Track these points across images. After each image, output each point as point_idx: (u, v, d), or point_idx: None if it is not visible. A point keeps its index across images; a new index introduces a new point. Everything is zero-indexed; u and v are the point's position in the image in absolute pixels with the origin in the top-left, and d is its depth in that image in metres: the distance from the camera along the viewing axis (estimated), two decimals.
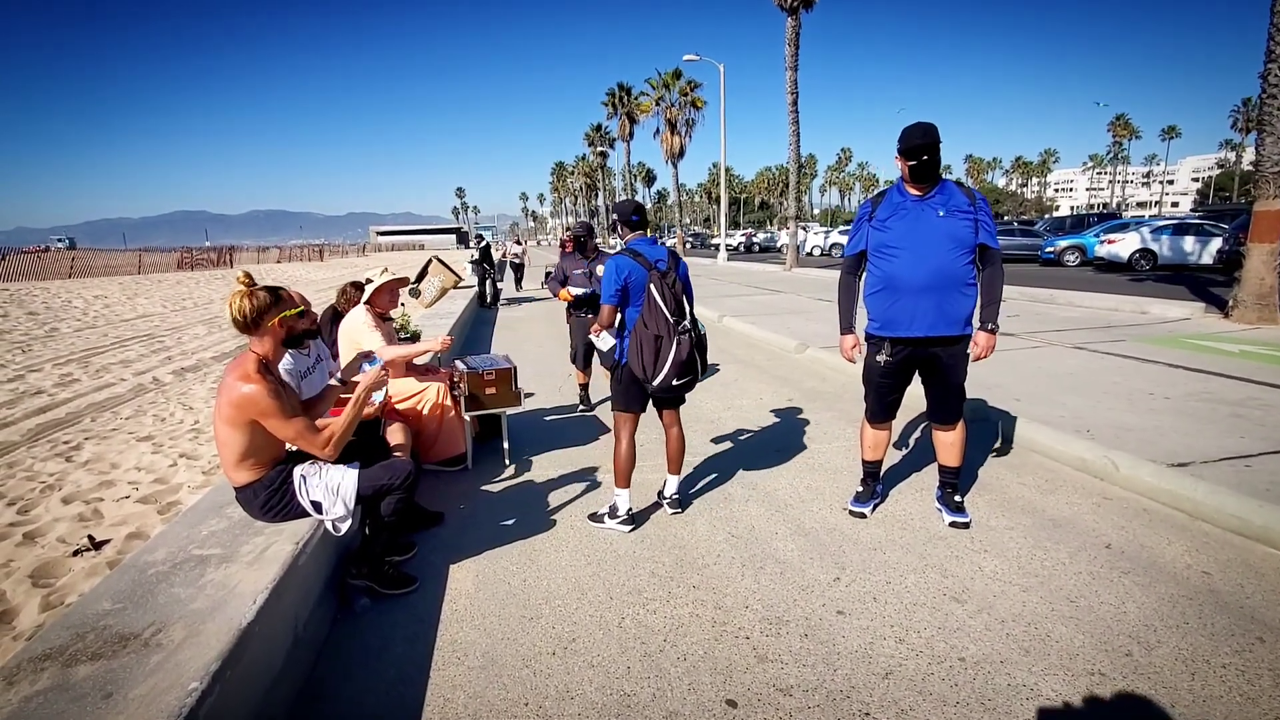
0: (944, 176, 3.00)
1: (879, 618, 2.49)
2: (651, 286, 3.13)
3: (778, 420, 5.14)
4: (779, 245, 39.99)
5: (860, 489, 3.48)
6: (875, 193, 3.23)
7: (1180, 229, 17.62)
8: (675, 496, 3.52)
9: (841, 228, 37.66)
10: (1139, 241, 17.46)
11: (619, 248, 3.34)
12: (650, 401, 3.39)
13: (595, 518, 3.43)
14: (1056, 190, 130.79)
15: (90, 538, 3.47)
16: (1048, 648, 2.29)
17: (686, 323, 3.19)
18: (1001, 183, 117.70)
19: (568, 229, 14.65)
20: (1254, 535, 2.98)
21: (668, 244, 3.72)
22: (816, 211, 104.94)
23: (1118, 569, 2.78)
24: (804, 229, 36.47)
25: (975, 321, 3.07)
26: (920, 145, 2.85)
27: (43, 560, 3.34)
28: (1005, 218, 51.95)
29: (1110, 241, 17.69)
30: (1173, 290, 11.90)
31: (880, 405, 3.30)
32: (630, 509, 3.36)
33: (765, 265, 24.97)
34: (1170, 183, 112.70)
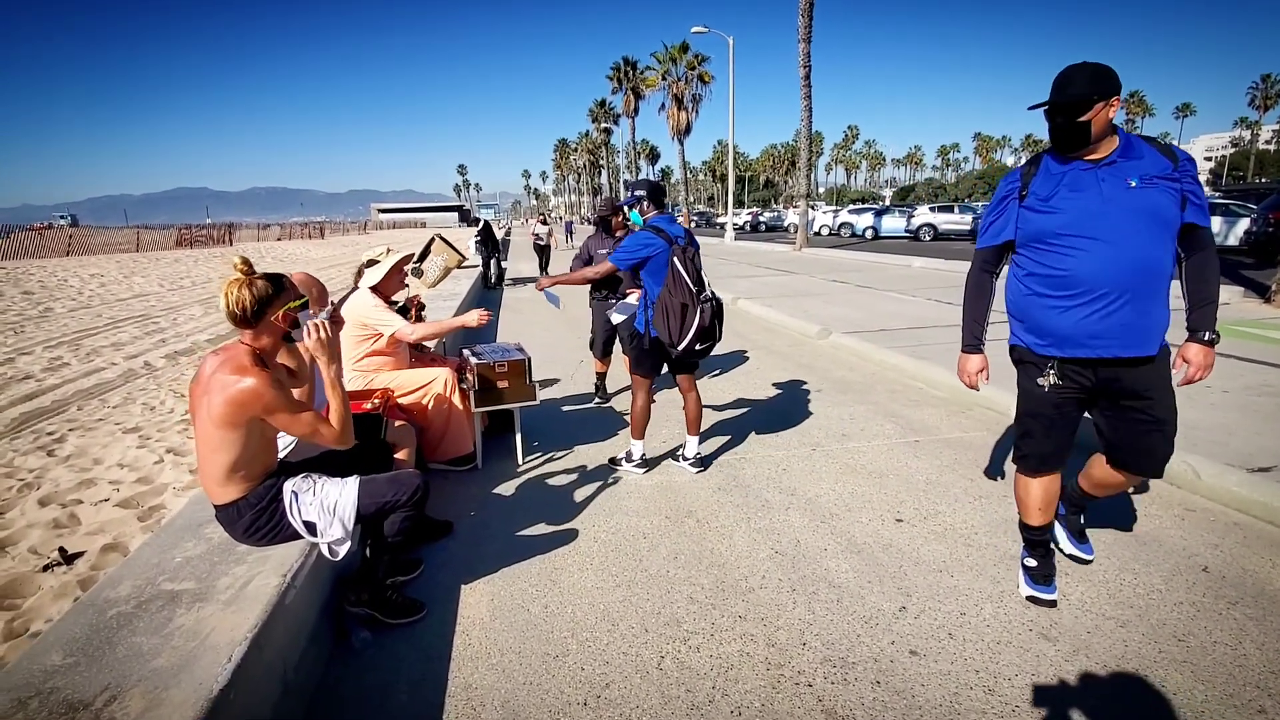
0: (1123, 130, 2.14)
1: (959, 660, 2.15)
2: (675, 259, 3.38)
3: (809, 414, 4.78)
4: (785, 224, 39.33)
5: (1031, 563, 2.49)
6: (1025, 160, 2.34)
7: None
8: (697, 455, 3.81)
9: (851, 207, 36.99)
10: None
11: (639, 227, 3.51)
12: (666, 368, 3.67)
13: (614, 461, 3.88)
14: None
15: (62, 550, 3.14)
16: (1165, 704, 1.95)
17: (708, 293, 3.43)
18: (1010, 161, 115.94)
19: (595, 208, 13.84)
20: None
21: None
22: (822, 190, 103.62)
23: (1224, 598, 2.43)
24: (813, 208, 35.81)
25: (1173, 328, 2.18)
26: (1055, 103, 2.07)
27: (11, 576, 3.02)
28: None
29: None
30: None
31: (1048, 448, 2.36)
32: (645, 455, 3.80)
33: (774, 245, 24.48)
34: None
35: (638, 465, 3.77)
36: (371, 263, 3.73)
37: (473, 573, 2.77)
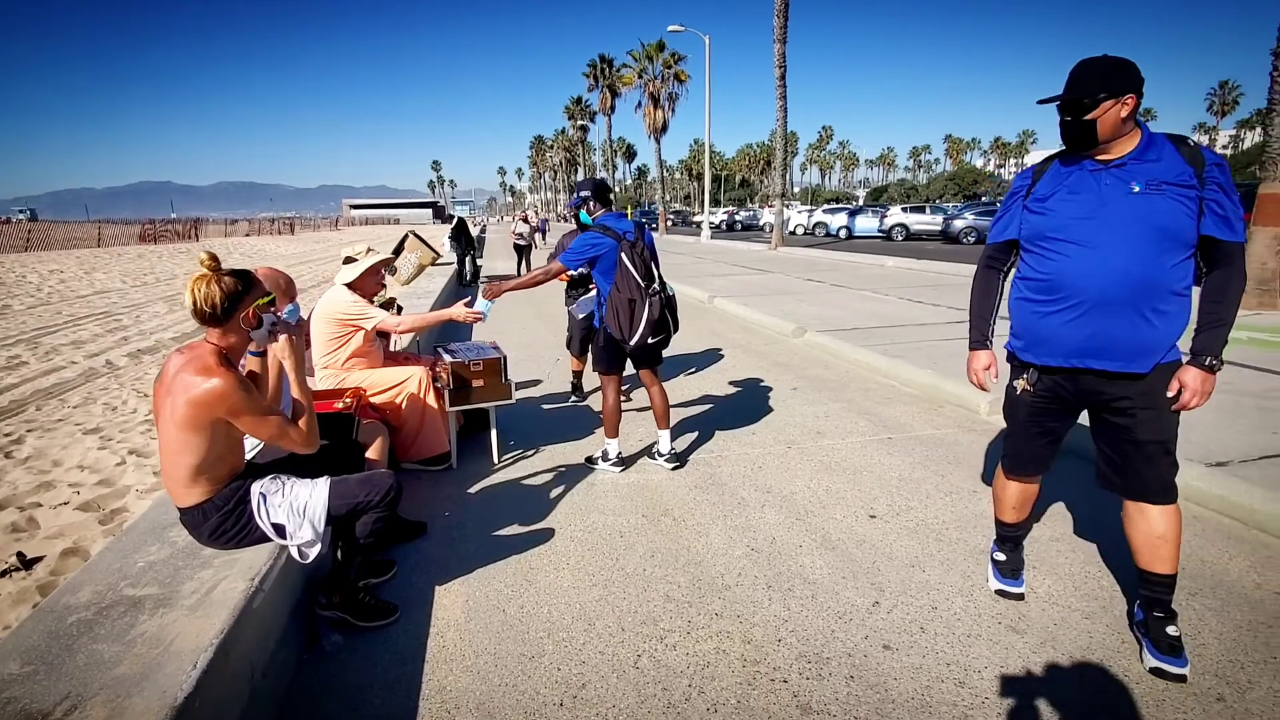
0: (1149, 128, 2.01)
1: (931, 653, 2.19)
2: (623, 255, 3.43)
3: (785, 412, 4.81)
4: (761, 223, 39.58)
5: (1000, 557, 2.54)
6: (1043, 157, 2.23)
7: None
8: (672, 451, 3.81)
9: (825, 207, 37.36)
10: None
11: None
12: (629, 362, 3.69)
13: (590, 460, 3.86)
14: None
15: (20, 555, 3.04)
16: (1129, 693, 2.00)
17: (656, 285, 3.51)
18: (980, 163, 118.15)
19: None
20: None
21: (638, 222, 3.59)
22: (797, 190, 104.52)
23: (1183, 590, 2.49)
24: (788, 207, 36.12)
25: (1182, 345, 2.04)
26: (1064, 100, 1.95)
27: None
28: (984, 198, 52.20)
29: None
30: None
31: (1025, 452, 2.36)
32: (620, 453, 3.80)
33: (750, 244, 24.62)
34: None
35: (613, 464, 3.77)
36: (349, 259, 3.67)
37: (447, 573, 2.74)
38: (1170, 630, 2.10)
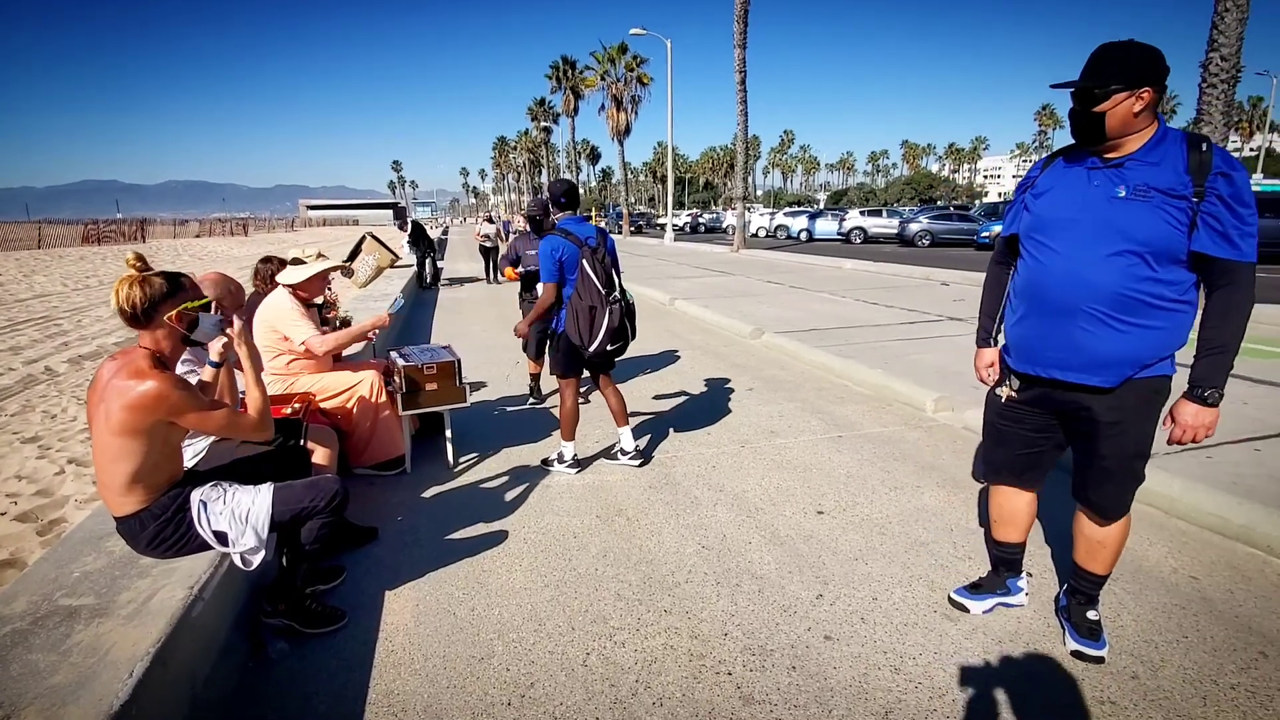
0: (1166, 126, 1.84)
1: (870, 643, 2.27)
2: (584, 262, 3.42)
3: (741, 412, 4.90)
4: (724, 226, 39.96)
5: (981, 578, 2.48)
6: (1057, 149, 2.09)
7: None
8: (636, 447, 3.88)
9: (786, 210, 37.95)
10: None
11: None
12: (585, 368, 3.72)
13: (546, 462, 3.87)
14: (985, 177, 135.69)
15: None
16: (1050, 673, 2.11)
17: (616, 293, 3.52)
18: (935, 168, 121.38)
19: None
20: (1234, 535, 2.91)
21: (601, 225, 3.72)
22: (760, 193, 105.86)
23: None
24: (750, 210, 36.57)
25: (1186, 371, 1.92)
26: (1076, 87, 1.82)
27: None
28: (939, 202, 53.61)
29: None
30: None
31: (997, 456, 2.28)
32: (576, 455, 3.82)
33: (712, 246, 24.85)
34: None
35: (569, 465, 3.80)
36: (296, 261, 3.60)
37: (398, 578, 2.73)
38: (1090, 615, 2.21)
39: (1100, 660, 2.14)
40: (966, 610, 2.43)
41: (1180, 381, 1.93)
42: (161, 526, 2.06)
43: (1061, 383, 2.00)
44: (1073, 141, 1.96)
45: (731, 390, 5.49)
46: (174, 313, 2.03)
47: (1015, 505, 2.35)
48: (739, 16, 20.95)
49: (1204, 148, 1.78)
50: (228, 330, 2.22)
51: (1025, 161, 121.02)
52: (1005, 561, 2.44)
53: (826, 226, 29.42)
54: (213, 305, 2.27)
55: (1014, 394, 2.17)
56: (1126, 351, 1.88)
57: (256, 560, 2.18)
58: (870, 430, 4.47)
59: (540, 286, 3.55)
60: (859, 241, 26.99)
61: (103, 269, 20.18)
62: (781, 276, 13.82)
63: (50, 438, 4.93)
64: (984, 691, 2.04)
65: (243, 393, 2.28)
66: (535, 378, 5.26)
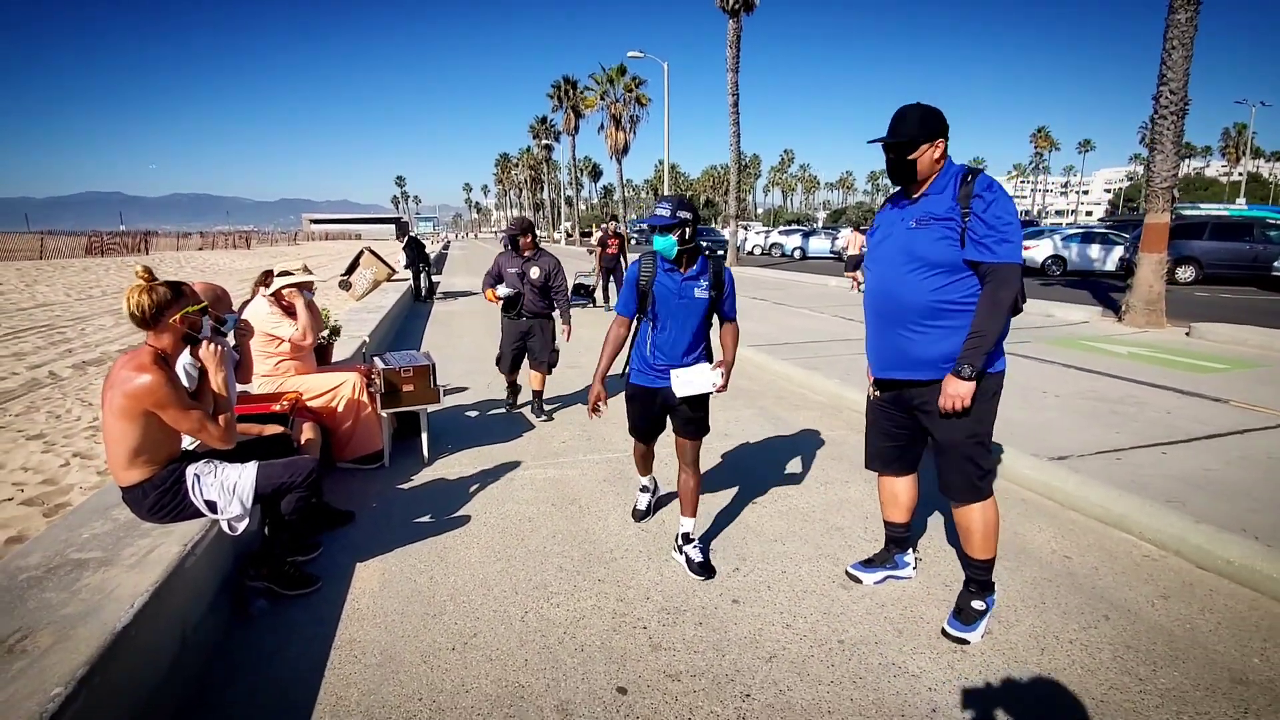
0: (953, 166, 2.28)
1: (770, 605, 2.62)
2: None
3: None
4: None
5: (874, 554, 2.85)
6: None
7: (1087, 237, 18.86)
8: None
9: (781, 228, 38.53)
10: (1051, 248, 18.61)
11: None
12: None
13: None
14: None
15: None
16: (919, 629, 2.46)
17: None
18: None
19: (605, 223, 13.09)
20: (1113, 522, 3.27)
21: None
22: (760, 211, 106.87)
23: None
24: (745, 228, 37.16)
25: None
26: (890, 141, 2.25)
27: None
28: None
29: (1026, 248, 18.77)
30: (1077, 295, 12.73)
31: (871, 445, 2.70)
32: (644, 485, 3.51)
33: None
34: (1085, 193, 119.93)
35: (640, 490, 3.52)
36: (284, 273, 4.00)
37: (369, 553, 3.08)
38: (976, 604, 2.43)
39: (963, 642, 2.35)
40: (860, 581, 2.78)
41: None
42: (161, 495, 2.42)
43: (901, 381, 2.41)
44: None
45: None
46: (178, 316, 2.40)
47: (894, 489, 2.73)
48: (731, 42, 21.61)
49: (970, 179, 2.20)
50: (213, 345, 2.54)
51: (1023, 182, 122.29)
52: (894, 539, 2.81)
53: (819, 244, 29.97)
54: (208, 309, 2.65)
55: (877, 394, 2.58)
56: (933, 350, 2.29)
57: (241, 527, 2.54)
58: (816, 433, 4.82)
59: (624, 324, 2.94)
60: None
61: (105, 280, 20.61)
62: (766, 293, 14.23)
63: (55, 435, 5.28)
64: (858, 641, 2.38)
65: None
66: (512, 385, 5.62)
